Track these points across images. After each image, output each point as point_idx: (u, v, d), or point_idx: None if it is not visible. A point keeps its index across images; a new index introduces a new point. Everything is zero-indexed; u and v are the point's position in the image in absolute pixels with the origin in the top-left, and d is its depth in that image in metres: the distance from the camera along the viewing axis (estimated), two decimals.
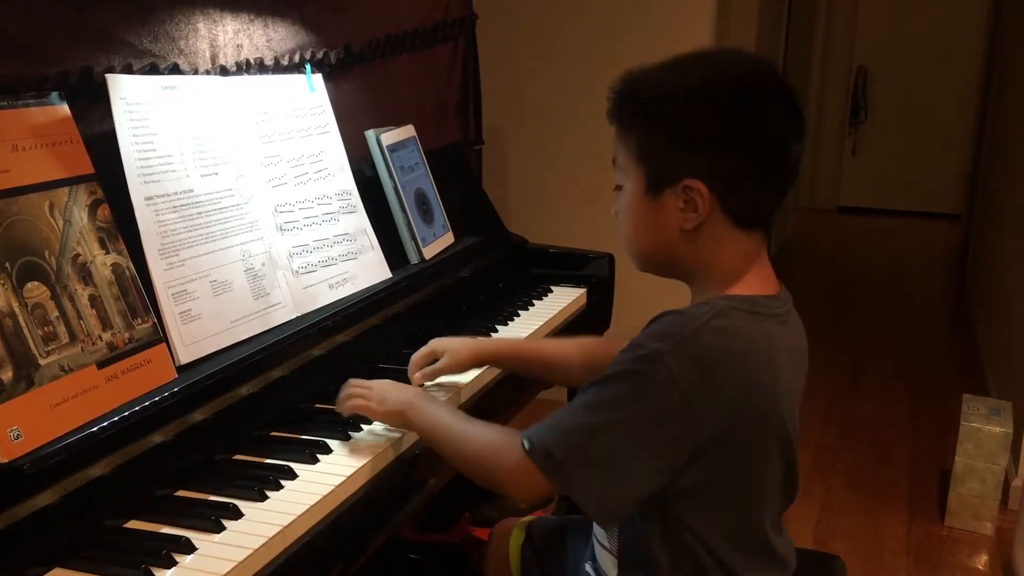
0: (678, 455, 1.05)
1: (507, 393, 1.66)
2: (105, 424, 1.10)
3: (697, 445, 1.05)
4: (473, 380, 1.57)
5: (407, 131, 1.91)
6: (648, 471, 1.05)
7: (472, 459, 1.19)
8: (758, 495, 1.13)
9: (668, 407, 1.02)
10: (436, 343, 1.52)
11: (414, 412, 1.28)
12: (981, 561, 2.47)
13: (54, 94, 1.20)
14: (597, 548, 1.25)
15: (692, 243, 1.10)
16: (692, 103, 1.06)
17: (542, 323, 1.88)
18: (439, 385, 1.54)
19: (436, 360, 1.50)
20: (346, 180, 1.70)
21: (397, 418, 1.30)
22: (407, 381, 1.51)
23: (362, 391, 1.34)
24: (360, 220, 1.70)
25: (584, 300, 2.11)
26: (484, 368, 1.60)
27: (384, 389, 1.33)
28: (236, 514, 1.11)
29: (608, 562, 1.22)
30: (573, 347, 1.52)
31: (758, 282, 1.12)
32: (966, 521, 2.59)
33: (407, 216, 1.81)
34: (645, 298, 2.81)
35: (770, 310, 1.10)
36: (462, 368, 1.52)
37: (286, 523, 1.10)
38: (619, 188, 1.15)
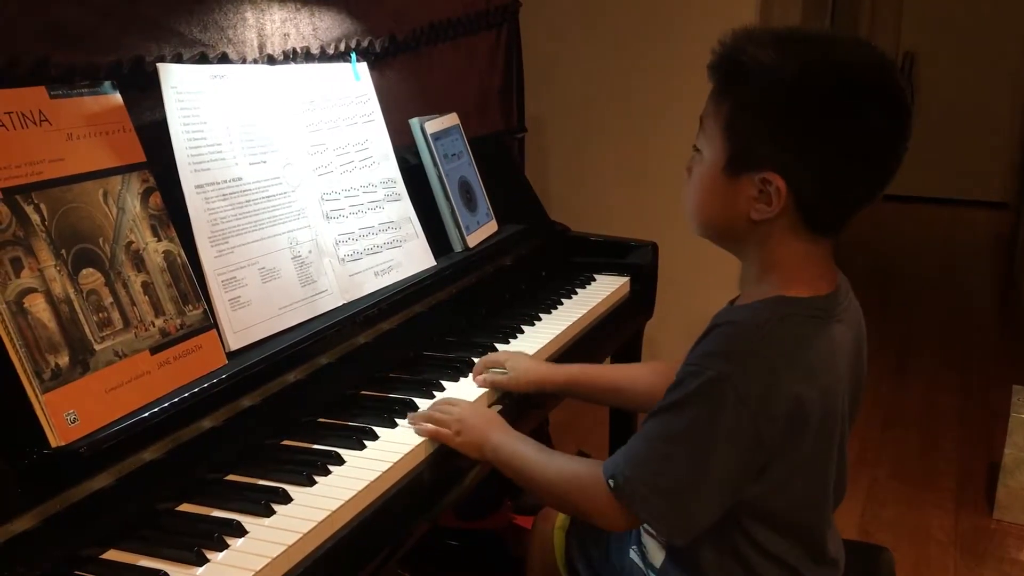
0: (751, 469, 1.05)
1: None
2: (157, 409, 1.11)
3: (768, 456, 1.04)
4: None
5: (451, 119, 1.91)
6: (727, 490, 1.06)
7: (559, 496, 1.19)
8: (817, 496, 1.12)
9: (741, 427, 1.01)
10: (508, 359, 1.51)
11: (491, 447, 1.27)
12: None
13: (107, 83, 1.22)
14: (643, 534, 1.26)
15: (757, 233, 1.07)
16: (792, 92, 0.99)
17: (584, 312, 1.88)
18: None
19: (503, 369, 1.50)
20: (391, 168, 1.70)
21: (474, 451, 1.29)
22: (451, 368, 1.52)
23: (442, 416, 1.31)
24: (405, 208, 1.70)
25: (627, 289, 2.10)
26: None
27: (464, 417, 1.31)
28: (285, 498, 1.13)
29: (653, 547, 1.23)
30: (642, 372, 1.48)
31: (818, 281, 1.09)
32: (1015, 514, 2.55)
33: (451, 204, 1.81)
34: (688, 287, 2.80)
35: (829, 312, 1.08)
36: (521, 390, 1.49)
37: (335, 508, 1.11)
38: (697, 150, 1.10)
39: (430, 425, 1.31)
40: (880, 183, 1.04)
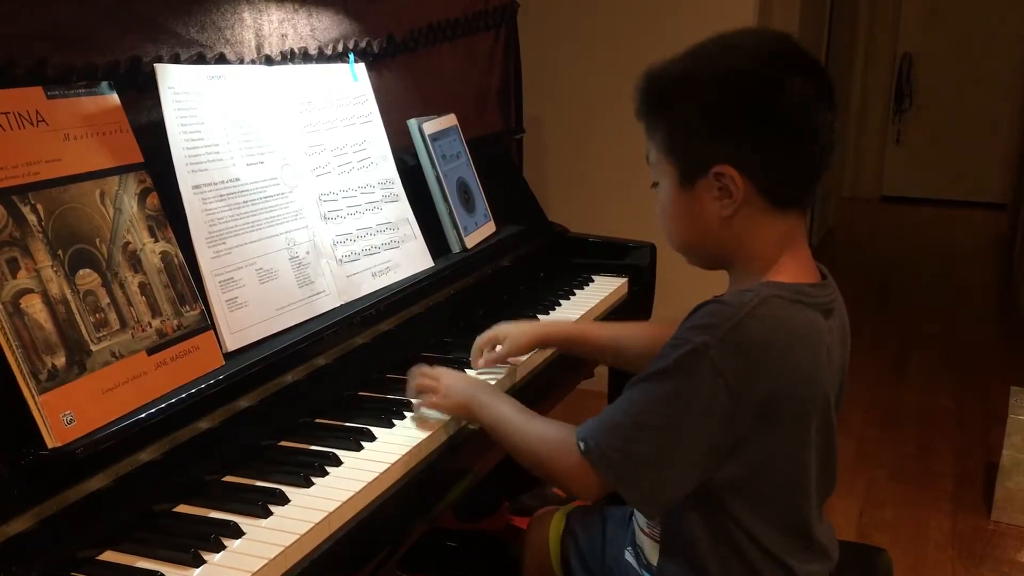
0: (724, 446, 1.06)
1: (556, 375, 1.68)
2: (154, 410, 1.11)
3: (740, 434, 1.05)
4: (526, 361, 1.60)
5: (449, 120, 1.91)
6: (697, 465, 1.07)
7: (532, 456, 1.21)
8: (798, 483, 1.13)
9: (716, 401, 1.03)
10: (498, 329, 1.54)
11: (478, 405, 1.30)
12: None
13: (104, 84, 1.22)
14: (638, 533, 1.26)
15: (730, 229, 1.10)
16: (712, 90, 1.06)
17: (583, 312, 1.88)
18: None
19: (498, 345, 1.53)
20: (389, 169, 1.70)
21: (462, 411, 1.33)
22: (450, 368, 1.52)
23: (431, 383, 1.35)
24: (403, 209, 1.70)
25: (625, 290, 2.10)
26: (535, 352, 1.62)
27: (451, 383, 1.35)
28: (283, 500, 1.12)
29: (650, 547, 1.23)
30: (639, 331, 1.52)
31: (798, 269, 1.12)
32: (1013, 515, 2.55)
33: (449, 205, 1.81)
34: (686, 288, 2.79)
35: (814, 299, 1.10)
36: (523, 352, 1.55)
37: (331, 509, 1.11)
38: (655, 185, 1.16)
39: (423, 394, 1.35)
40: (825, 146, 1.08)
